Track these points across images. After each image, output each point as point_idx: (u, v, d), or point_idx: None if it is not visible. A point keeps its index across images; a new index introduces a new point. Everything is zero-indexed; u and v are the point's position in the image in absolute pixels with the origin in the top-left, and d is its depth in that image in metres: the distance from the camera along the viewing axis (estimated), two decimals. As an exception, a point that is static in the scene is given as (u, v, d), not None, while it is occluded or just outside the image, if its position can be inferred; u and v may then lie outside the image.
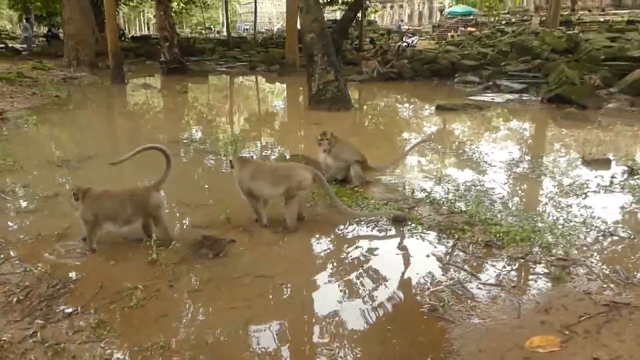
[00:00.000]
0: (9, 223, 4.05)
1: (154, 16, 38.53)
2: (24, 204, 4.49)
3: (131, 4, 40.66)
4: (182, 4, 37.19)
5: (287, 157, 6.51)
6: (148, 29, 73.64)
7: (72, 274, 3.18)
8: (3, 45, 26.25)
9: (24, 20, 28.95)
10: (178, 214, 4.33)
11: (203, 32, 52.18)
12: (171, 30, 18.60)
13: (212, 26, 61.38)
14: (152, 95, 13.97)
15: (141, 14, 69.25)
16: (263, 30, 50.53)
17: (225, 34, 46.00)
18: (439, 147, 7.12)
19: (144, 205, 3.58)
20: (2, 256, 3.38)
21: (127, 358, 2.40)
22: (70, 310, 2.75)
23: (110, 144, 7.84)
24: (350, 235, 3.97)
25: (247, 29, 58.42)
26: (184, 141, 7.41)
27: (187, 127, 9.20)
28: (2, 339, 2.45)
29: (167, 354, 2.41)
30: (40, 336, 2.49)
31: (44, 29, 41.93)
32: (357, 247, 3.73)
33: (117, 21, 19.72)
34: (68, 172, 5.57)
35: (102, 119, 10.30)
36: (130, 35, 42.92)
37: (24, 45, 25.75)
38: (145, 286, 3.01)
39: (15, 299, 2.83)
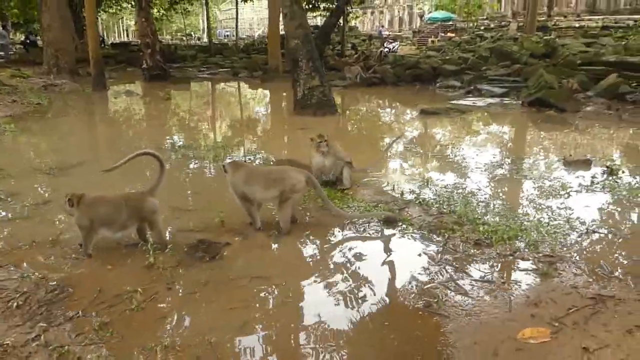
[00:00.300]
0: (1, 230, 4.02)
1: (134, 23, 38.26)
2: (14, 211, 4.45)
3: (110, 11, 40.36)
4: (162, 11, 37.04)
5: (273, 162, 6.56)
6: (127, 35, 73.10)
7: (70, 279, 3.19)
8: (-21, 54, 25.82)
9: (1, 28, 28.49)
10: (171, 219, 4.34)
11: (184, 38, 52.02)
12: (153, 36, 18.55)
13: (192, 32, 61.17)
14: (135, 102, 13.89)
15: (120, 20, 68.68)
16: (244, 37, 50.60)
17: (205, 40, 45.93)
18: (425, 150, 7.25)
19: (139, 210, 3.61)
20: (-3, 263, 3.38)
21: (132, 358, 2.43)
22: (71, 313, 2.77)
23: (96, 152, 7.80)
24: (342, 237, 4.05)
25: (227, 35, 58.42)
26: (171, 147, 7.42)
27: (172, 133, 9.19)
28: (4, 343, 2.46)
29: (171, 353, 2.45)
30: (43, 339, 2.51)
31: (20, 37, 41.39)
32: (350, 248, 3.81)
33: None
34: (56, 180, 5.54)
35: (85, 126, 10.23)
36: (109, 42, 42.59)
37: (1, 53, 25.34)
38: (144, 289, 3.04)
39: (14, 304, 2.84)
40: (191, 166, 6.40)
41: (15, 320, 2.70)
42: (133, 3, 32.54)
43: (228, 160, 4.28)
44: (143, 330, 2.67)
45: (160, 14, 37.11)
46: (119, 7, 39.58)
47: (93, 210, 3.50)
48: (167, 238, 3.81)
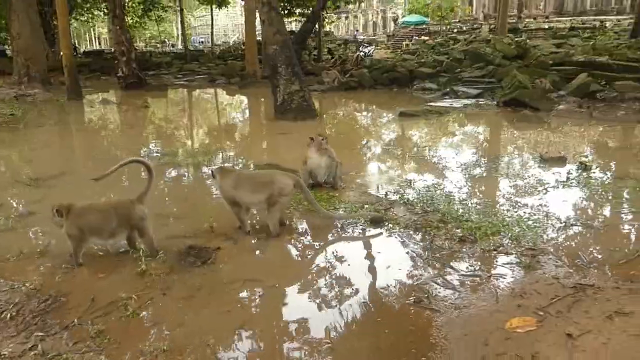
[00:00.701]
0: (-14, 243, 3.98)
1: (108, 31, 37.68)
2: (-2, 223, 4.40)
3: (82, 18, 39.72)
4: (136, 18, 36.61)
5: (254, 167, 6.60)
6: (99, 43, 72.08)
7: (62, 289, 3.18)
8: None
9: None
10: (160, 226, 4.34)
11: (158, 45, 51.55)
12: (128, 44, 18.36)
13: (166, 39, 60.65)
14: (112, 110, 13.74)
15: (92, 28, 67.65)
16: (219, 43, 50.39)
17: (180, 46, 45.53)
18: (406, 151, 7.38)
19: (128, 218, 3.61)
20: (-15, 275, 3.35)
21: (131, 364, 2.46)
22: (66, 322, 2.77)
23: (75, 162, 7.70)
24: (331, 238, 4.12)
25: (202, 42, 58.13)
26: (153, 155, 7.39)
27: (154, 141, 9.14)
28: (2, 353, 2.46)
29: (170, 357, 2.48)
30: (40, 348, 2.51)
31: (-13, 46, 40.41)
32: (339, 249, 3.88)
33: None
34: (37, 191, 5.47)
35: (63, 136, 10.09)
36: (82, 50, 41.87)
37: (-33, 64, 24.66)
38: (139, 296, 3.06)
39: (8, 316, 2.83)
40: (175, 173, 6.40)
41: (9, 331, 2.70)
42: (105, 11, 32.15)
43: (216, 166, 4.31)
44: (140, 336, 2.70)
45: (134, 21, 36.65)
46: (90, 15, 38.97)
47: (82, 219, 3.49)
48: (157, 245, 3.82)
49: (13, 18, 17.80)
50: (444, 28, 40.14)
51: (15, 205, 5.00)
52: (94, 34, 73.76)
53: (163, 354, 2.51)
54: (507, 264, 3.49)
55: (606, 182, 5.43)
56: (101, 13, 36.94)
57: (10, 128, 10.04)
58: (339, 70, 18.32)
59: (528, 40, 22.25)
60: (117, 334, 2.69)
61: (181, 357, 2.50)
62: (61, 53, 18.44)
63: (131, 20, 33.94)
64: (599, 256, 3.60)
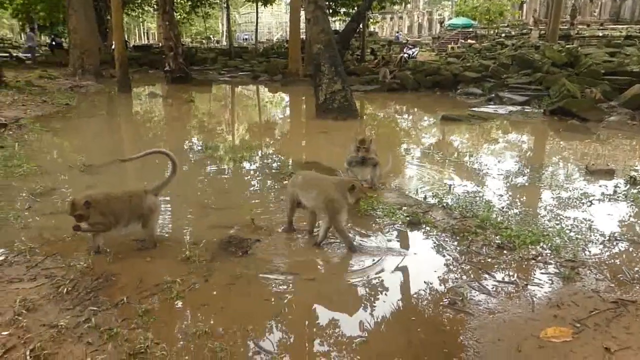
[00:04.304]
0: (45, 222, 4.23)
1: (158, 26, 38.79)
2: (53, 205, 4.67)
3: (133, 14, 41.10)
4: (184, 14, 37.62)
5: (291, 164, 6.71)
6: (148, 38, 74.24)
7: (112, 269, 3.37)
8: (7, 55, 26.62)
9: (28, 30, 29.31)
10: (203, 216, 4.52)
11: (203, 41, 52.72)
12: (176, 40, 18.94)
13: (211, 36, 61.90)
14: (159, 103, 14.22)
15: (141, 23, 69.76)
16: (263, 40, 51.08)
17: (224, 43, 46.31)
18: (447, 156, 7.33)
19: (139, 208, 3.64)
20: (44, 252, 3.58)
21: (175, 343, 2.60)
22: (116, 300, 2.95)
23: (124, 151, 8.03)
24: (369, 238, 4.16)
25: (246, 39, 59.09)
26: (197, 148, 7.63)
27: (197, 134, 9.42)
28: (59, 324, 2.65)
29: (211, 339, 2.61)
30: (94, 322, 2.69)
31: (45, 38, 42.37)
32: (377, 249, 3.93)
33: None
34: (91, 177, 5.74)
35: (113, 126, 10.53)
36: (131, 45, 43.32)
37: (28, 55, 26.03)
38: (182, 280, 3.22)
39: (65, 290, 3.03)
40: (216, 167, 6.57)
41: (65, 304, 2.90)
42: (155, 7, 33.18)
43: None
44: (183, 318, 2.85)
45: (182, 17, 37.65)
46: (141, 11, 40.28)
47: (107, 208, 3.52)
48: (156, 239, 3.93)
49: (70, 13, 18.67)
50: (492, 32, 39.27)
51: (70, 189, 5.26)
52: (144, 29, 76.03)
53: (204, 335, 2.64)
54: (546, 273, 3.46)
55: (656, 198, 5.25)
56: (151, 9, 38.20)
57: (65, 117, 10.56)
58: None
59: (580, 48, 21.53)
60: (163, 314, 2.85)
61: (222, 339, 2.62)
62: (113, 47, 19.22)
63: (179, 17, 34.88)
64: (644, 272, 3.52)
